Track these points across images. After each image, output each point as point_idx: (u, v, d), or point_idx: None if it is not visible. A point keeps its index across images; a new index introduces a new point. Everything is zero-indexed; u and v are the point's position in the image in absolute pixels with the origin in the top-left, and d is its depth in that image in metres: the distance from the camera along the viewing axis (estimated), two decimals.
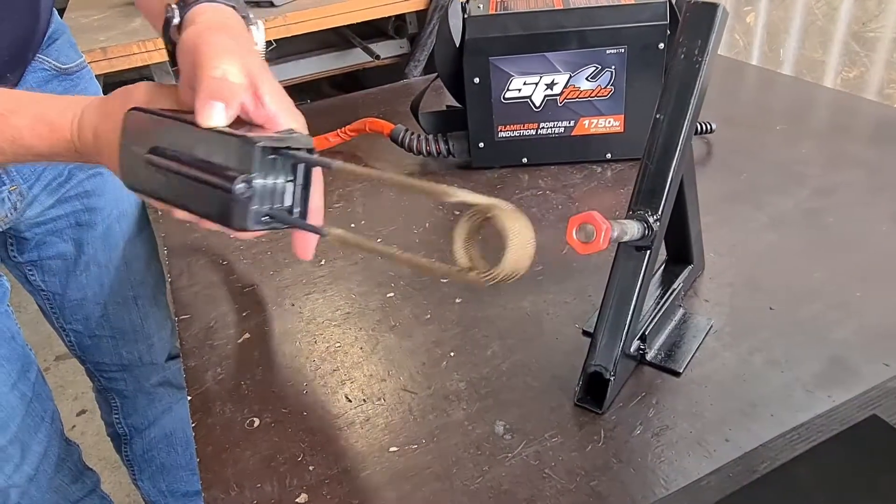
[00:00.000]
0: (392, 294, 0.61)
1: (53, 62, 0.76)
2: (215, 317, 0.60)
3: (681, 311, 0.53)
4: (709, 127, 0.80)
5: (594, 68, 0.72)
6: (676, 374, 0.49)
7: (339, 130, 0.85)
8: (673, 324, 0.52)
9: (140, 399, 0.95)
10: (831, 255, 0.60)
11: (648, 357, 0.50)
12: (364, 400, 0.50)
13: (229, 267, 0.67)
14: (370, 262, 0.65)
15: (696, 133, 0.79)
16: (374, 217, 0.73)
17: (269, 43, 1.35)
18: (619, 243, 0.45)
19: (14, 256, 0.82)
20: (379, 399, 0.50)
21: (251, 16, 0.51)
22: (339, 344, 0.56)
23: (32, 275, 0.84)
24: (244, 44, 0.46)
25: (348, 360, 0.54)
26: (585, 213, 0.36)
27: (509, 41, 0.72)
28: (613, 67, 0.72)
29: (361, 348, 0.55)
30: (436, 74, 0.83)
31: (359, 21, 1.14)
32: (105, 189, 0.83)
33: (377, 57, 1.39)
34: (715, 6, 0.42)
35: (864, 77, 1.22)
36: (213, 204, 0.38)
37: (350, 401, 0.50)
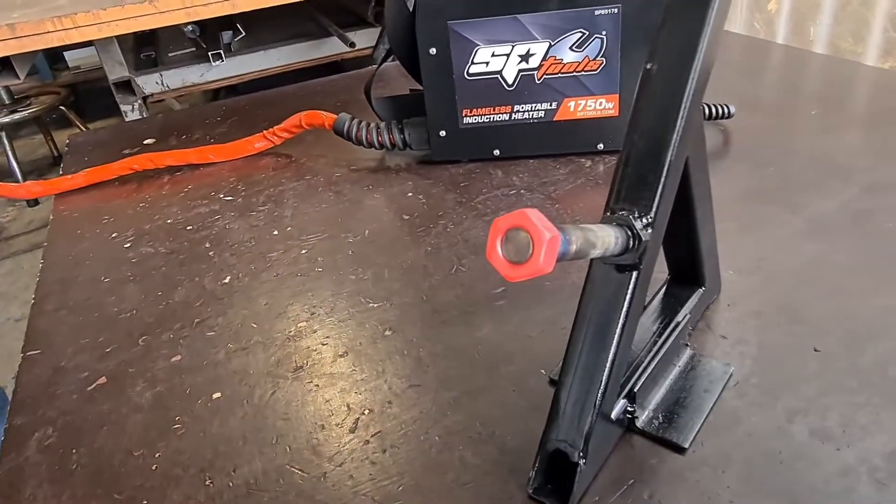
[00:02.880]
0: (305, 323, 0.46)
1: None
2: (71, 353, 0.46)
3: (688, 354, 0.38)
4: (726, 110, 0.64)
5: (580, 34, 0.57)
6: (681, 449, 0.33)
7: (265, 132, 0.71)
8: (676, 372, 0.37)
9: None
10: (893, 272, 0.44)
11: (640, 423, 0.34)
12: (231, 484, 0.35)
13: (111, 286, 0.53)
14: (284, 279, 0.51)
15: (709, 117, 0.64)
16: (305, 223, 0.58)
17: (236, 29, 1.15)
18: (592, 260, 0.30)
19: None
20: (252, 484, 0.35)
21: None
22: (217, 394, 0.41)
23: None
24: None
25: (222, 421, 0.39)
26: (516, 211, 0.21)
27: (472, 0, 0.57)
28: (605, 33, 0.57)
29: (245, 402, 0.40)
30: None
31: (335, 6, 1.01)
32: None
33: (352, 45, 1.25)
34: None
35: None
36: None
37: (210, 484, 0.35)
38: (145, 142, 0.79)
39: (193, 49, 1.38)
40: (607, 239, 0.26)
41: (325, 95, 0.88)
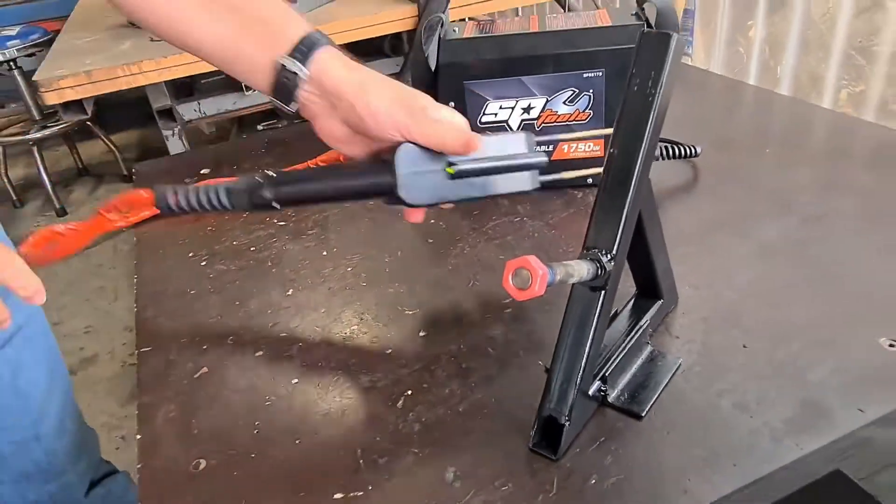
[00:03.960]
0: (356, 326, 0.59)
1: None
2: (176, 349, 0.59)
3: (648, 349, 0.51)
4: (693, 150, 0.77)
5: (572, 92, 0.70)
6: (639, 417, 0.46)
7: (309, 161, 0.84)
8: (639, 363, 0.50)
9: None
10: (816, 290, 0.57)
11: (610, 398, 0.47)
12: (315, 442, 0.48)
13: (197, 297, 0.66)
14: (335, 292, 0.64)
15: (680, 157, 0.77)
16: (348, 245, 0.72)
17: None
18: (577, 284, 0.43)
19: None
20: (327, 442, 0.48)
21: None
22: (296, 380, 0.54)
23: None
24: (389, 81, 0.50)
25: (302, 398, 0.52)
26: (521, 257, 0.34)
27: (484, 65, 0.70)
28: (591, 91, 0.70)
29: (317, 385, 0.53)
30: None
31: (353, 40, 1.14)
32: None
33: None
34: (668, 35, 0.40)
35: (865, 94, 1.18)
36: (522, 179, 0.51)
37: (298, 442, 0.48)
38: (202, 171, 0.93)
39: (223, 76, 1.51)
40: (582, 271, 0.39)
41: None
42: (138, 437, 0.50)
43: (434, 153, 0.49)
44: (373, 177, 0.49)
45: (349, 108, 0.48)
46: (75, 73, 0.94)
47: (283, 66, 0.47)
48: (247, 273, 0.68)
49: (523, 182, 0.52)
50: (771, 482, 0.39)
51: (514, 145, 0.51)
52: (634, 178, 0.41)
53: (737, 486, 0.40)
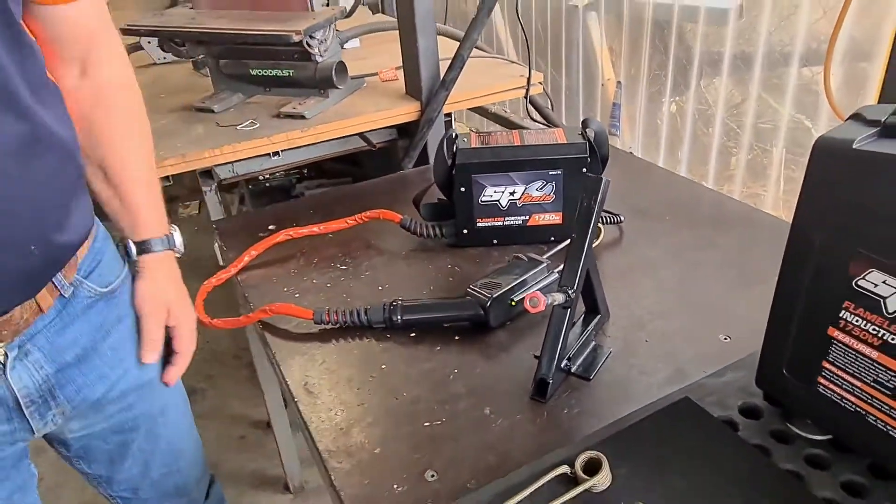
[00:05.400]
0: (415, 333, 0.95)
1: (97, 288, 0.83)
2: (302, 337, 0.93)
3: (593, 343, 0.89)
4: (619, 218, 1.17)
5: (541, 182, 1.09)
6: (588, 379, 0.84)
7: (357, 216, 1.20)
8: (588, 350, 0.88)
9: None
10: (689, 308, 0.96)
11: (573, 370, 0.84)
12: (400, 399, 0.83)
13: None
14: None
15: (611, 223, 1.16)
16: (394, 283, 1.07)
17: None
18: (553, 305, 0.80)
19: (60, 451, 0.93)
20: (415, 400, 0.83)
21: (173, 236, 0.92)
22: (384, 365, 0.89)
23: (78, 464, 0.95)
24: (171, 290, 0.91)
25: (390, 375, 0.87)
26: (534, 292, 0.71)
27: (484, 165, 1.08)
28: (554, 182, 1.09)
29: (400, 372, 0.88)
30: (431, 178, 1.19)
31: (370, 129, 1.50)
32: (144, 395, 0.92)
33: (374, 145, 1.75)
34: (600, 179, 0.79)
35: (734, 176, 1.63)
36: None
37: (397, 400, 0.83)
38: (269, 227, 1.26)
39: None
40: (559, 298, 0.76)
41: (374, 195, 1.37)
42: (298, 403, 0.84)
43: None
44: (468, 310, 0.93)
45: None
46: (174, 154, 1.27)
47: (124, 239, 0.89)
48: (325, 299, 1.03)
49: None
50: (651, 406, 0.77)
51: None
52: (585, 249, 0.79)
53: (633, 410, 0.78)
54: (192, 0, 1.49)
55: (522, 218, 1.12)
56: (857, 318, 0.59)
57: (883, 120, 0.56)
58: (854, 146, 0.55)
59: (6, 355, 0.76)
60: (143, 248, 0.89)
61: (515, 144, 1.09)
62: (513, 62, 1.80)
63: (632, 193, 1.29)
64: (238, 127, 1.41)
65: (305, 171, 2.26)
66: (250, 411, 2.00)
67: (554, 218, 1.12)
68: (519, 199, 1.10)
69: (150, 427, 0.95)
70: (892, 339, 0.57)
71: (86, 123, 0.82)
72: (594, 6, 1.92)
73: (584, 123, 1.11)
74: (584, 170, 1.07)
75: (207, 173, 1.69)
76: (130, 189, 0.86)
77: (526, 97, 1.61)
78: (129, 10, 2.74)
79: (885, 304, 0.57)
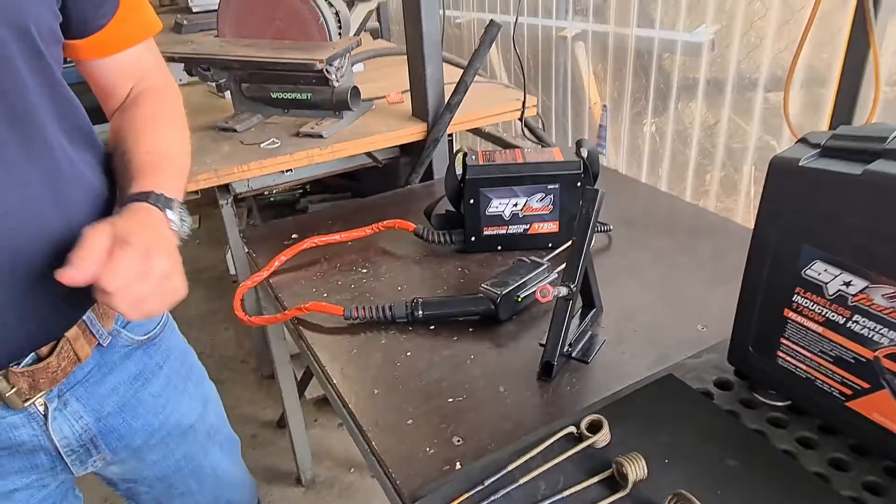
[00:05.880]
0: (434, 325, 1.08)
1: (135, 337, 0.85)
2: (329, 330, 1.06)
3: (590, 333, 1.03)
4: (608, 227, 1.32)
5: (541, 195, 1.23)
6: (586, 363, 0.98)
7: (374, 225, 1.33)
8: (585, 339, 1.02)
9: None
10: (670, 303, 1.11)
11: (573, 355, 0.98)
12: (422, 385, 0.97)
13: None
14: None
15: (601, 231, 1.31)
16: (412, 284, 1.21)
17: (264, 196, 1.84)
18: (557, 298, 0.94)
19: (107, 487, 0.98)
20: (433, 383, 0.96)
21: (172, 207, 0.73)
22: (409, 353, 1.02)
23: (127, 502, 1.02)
24: (147, 238, 0.66)
25: (414, 360, 1.00)
26: (544, 285, 0.85)
27: (491, 180, 1.22)
28: (552, 195, 1.23)
29: (421, 360, 1.02)
30: (436, 192, 1.33)
31: (380, 148, 1.64)
32: (188, 439, 0.97)
33: (381, 163, 1.88)
34: (597, 191, 0.93)
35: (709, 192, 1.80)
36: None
37: (423, 384, 0.97)
38: (292, 236, 1.39)
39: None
40: (563, 291, 0.90)
41: (385, 207, 1.51)
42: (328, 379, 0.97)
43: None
44: (481, 305, 1.06)
45: None
46: (207, 170, 1.40)
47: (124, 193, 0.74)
48: (350, 298, 1.16)
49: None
50: (642, 382, 0.91)
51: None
52: (584, 254, 0.94)
53: (626, 385, 0.92)
54: (217, 29, 1.62)
55: (524, 227, 1.26)
56: (805, 300, 0.74)
57: (822, 143, 0.72)
58: (800, 164, 0.70)
59: (46, 406, 0.78)
60: (137, 198, 0.72)
61: (518, 162, 1.24)
62: (508, 87, 1.95)
63: (618, 206, 1.45)
64: (261, 145, 1.55)
65: (309, 187, 2.40)
66: (259, 412, 2.11)
67: (552, 227, 1.26)
68: (521, 210, 1.25)
69: (195, 469, 1.00)
70: (833, 316, 0.72)
71: (120, 119, 0.84)
72: (582, 37, 2.09)
73: (579, 144, 1.26)
74: (579, 184, 1.22)
75: (224, 187, 1.81)
76: (154, 167, 0.78)
77: (521, 119, 1.77)
78: None
79: (826, 288, 0.72)
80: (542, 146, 1.89)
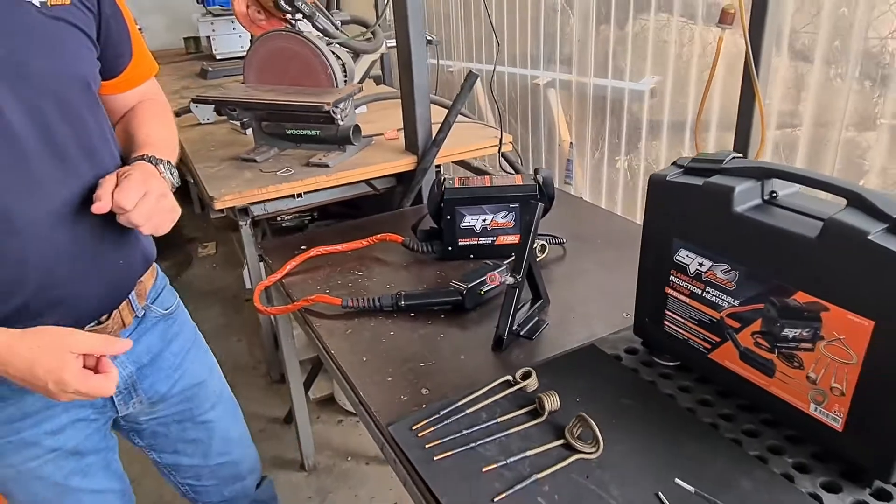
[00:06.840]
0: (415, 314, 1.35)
1: (160, 310, 1.14)
2: (338, 316, 1.33)
3: (536, 318, 1.29)
4: (563, 241, 1.59)
5: (504, 212, 1.51)
6: (531, 339, 1.24)
7: (369, 238, 1.61)
8: (533, 322, 1.28)
9: None
10: (604, 296, 1.37)
11: (521, 334, 1.25)
12: (414, 367, 1.23)
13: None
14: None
15: (556, 244, 1.59)
16: (401, 283, 1.48)
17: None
18: (507, 285, 1.21)
19: (135, 441, 1.24)
20: (423, 364, 1.23)
21: (162, 163, 1.01)
22: (419, 334, 1.29)
23: (151, 455, 1.26)
24: (143, 173, 0.94)
25: (405, 344, 1.27)
26: (493, 273, 1.13)
27: (465, 199, 1.50)
28: (514, 212, 1.51)
29: (409, 340, 1.28)
30: (426, 212, 1.61)
31: (375, 176, 1.93)
32: (199, 391, 1.24)
33: (378, 190, 2.17)
34: (537, 204, 1.21)
35: None
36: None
37: (421, 365, 1.23)
38: (302, 247, 1.67)
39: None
40: (511, 280, 1.17)
41: (380, 224, 1.79)
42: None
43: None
44: (451, 297, 1.30)
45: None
46: (233, 192, 1.69)
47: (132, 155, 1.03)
48: (347, 293, 1.43)
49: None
50: (567, 353, 1.17)
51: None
52: (528, 246, 1.21)
53: (557, 353, 1.18)
54: (243, 76, 1.94)
55: (491, 238, 1.54)
56: (677, 279, 1.01)
57: (685, 165, 1.00)
58: (667, 178, 0.98)
59: None
60: (136, 159, 1.00)
61: (487, 185, 1.52)
62: (489, 126, 2.26)
63: (575, 225, 1.72)
64: (277, 173, 1.84)
65: (316, 214, 2.69)
66: (266, 411, 2.36)
67: (513, 238, 1.54)
68: (489, 224, 1.53)
69: (204, 417, 1.25)
70: (694, 289, 0.99)
71: (126, 119, 1.13)
72: (552, 84, 2.41)
73: (536, 171, 1.54)
74: (534, 202, 1.50)
75: (244, 210, 2.11)
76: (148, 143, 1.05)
77: (499, 153, 2.06)
78: (167, 76, 3.21)
79: (689, 269, 0.99)
80: (512, 174, 2.18)
